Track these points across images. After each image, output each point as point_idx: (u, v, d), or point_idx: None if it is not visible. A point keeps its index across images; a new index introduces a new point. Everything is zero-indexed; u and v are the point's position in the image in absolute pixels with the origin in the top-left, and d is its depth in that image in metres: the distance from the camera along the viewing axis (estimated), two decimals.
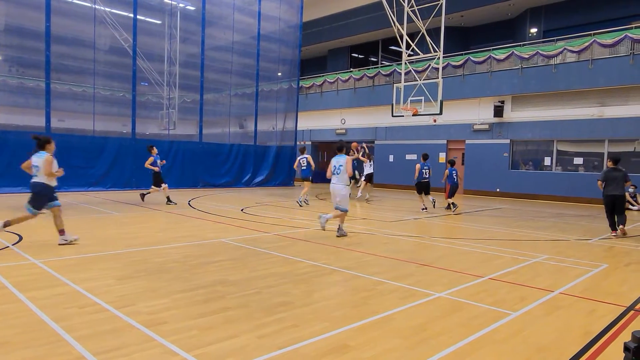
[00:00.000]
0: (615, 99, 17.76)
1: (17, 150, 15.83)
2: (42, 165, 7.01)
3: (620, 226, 9.83)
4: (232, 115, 23.46)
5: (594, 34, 17.96)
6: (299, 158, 14.88)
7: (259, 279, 5.46)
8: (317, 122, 28.96)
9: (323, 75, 28.59)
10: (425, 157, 14.20)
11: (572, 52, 18.40)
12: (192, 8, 21.38)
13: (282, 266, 6.16)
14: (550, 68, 18.96)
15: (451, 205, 13.59)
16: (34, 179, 7.13)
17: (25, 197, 7.35)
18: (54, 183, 7.25)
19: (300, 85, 26.38)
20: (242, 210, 12.74)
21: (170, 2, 20.61)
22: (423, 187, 13.93)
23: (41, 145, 7.22)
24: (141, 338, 3.58)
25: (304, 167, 14.63)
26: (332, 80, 27.59)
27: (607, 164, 10.98)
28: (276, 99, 24.49)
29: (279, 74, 24.61)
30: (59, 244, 7.11)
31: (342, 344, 3.58)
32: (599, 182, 10.04)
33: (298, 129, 25.65)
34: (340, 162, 8.77)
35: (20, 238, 7.58)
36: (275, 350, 3.43)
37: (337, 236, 8.72)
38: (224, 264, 6.19)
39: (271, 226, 9.88)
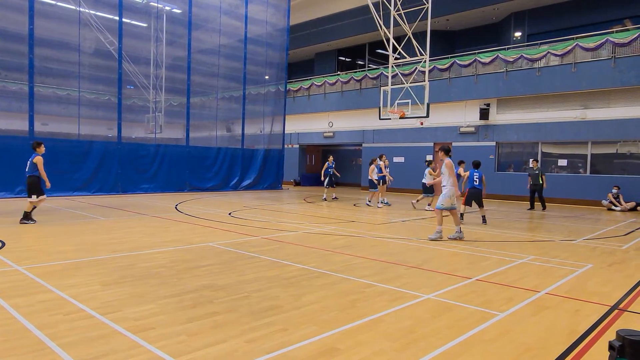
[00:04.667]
0: (598, 102, 18.08)
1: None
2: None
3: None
4: (219, 118, 23.36)
5: (577, 37, 18.27)
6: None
7: (247, 283, 5.43)
8: (304, 125, 28.97)
9: (310, 79, 28.62)
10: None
11: (556, 55, 18.69)
12: (179, 11, 21.26)
13: (271, 270, 6.13)
14: (534, 71, 19.23)
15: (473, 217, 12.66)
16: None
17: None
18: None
19: (287, 88, 26.37)
20: (229, 214, 12.67)
21: (156, 4, 20.46)
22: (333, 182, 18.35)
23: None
24: (128, 344, 3.54)
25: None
26: (319, 84, 27.62)
27: (532, 164, 16.16)
28: (263, 102, 24.43)
29: (267, 77, 24.57)
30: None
31: (331, 347, 3.58)
32: (529, 177, 16.06)
33: (286, 132, 25.64)
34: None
35: (3, 244, 7.44)
36: (264, 354, 3.41)
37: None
38: (212, 268, 6.15)
39: (259, 230, 9.84)
